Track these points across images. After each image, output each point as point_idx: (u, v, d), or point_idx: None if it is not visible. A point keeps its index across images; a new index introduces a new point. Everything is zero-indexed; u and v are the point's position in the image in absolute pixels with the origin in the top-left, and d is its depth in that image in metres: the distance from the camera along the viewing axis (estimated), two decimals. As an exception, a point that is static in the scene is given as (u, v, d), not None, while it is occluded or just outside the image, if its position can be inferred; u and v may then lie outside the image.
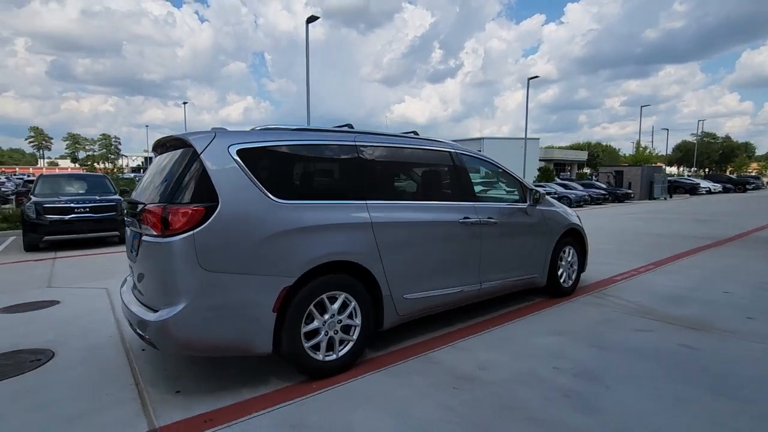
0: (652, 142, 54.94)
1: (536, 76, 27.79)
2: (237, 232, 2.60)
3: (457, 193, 3.87)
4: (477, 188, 4.15)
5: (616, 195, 24.78)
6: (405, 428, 2.34)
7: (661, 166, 33.07)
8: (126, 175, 33.09)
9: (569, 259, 4.91)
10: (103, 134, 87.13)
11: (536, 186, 21.79)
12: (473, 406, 2.56)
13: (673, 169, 71.59)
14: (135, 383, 2.90)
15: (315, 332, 2.89)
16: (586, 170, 51.24)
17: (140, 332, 2.65)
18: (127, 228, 3.22)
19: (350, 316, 3.05)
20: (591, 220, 14.30)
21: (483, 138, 36.04)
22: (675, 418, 2.41)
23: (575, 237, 5.01)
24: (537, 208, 4.48)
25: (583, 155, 59.29)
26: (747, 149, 78.42)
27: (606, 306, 4.50)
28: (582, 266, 5.15)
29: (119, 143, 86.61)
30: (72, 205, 8.83)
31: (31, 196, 9.49)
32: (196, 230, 2.49)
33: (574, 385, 2.80)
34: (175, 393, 2.77)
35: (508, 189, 4.69)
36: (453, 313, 4.16)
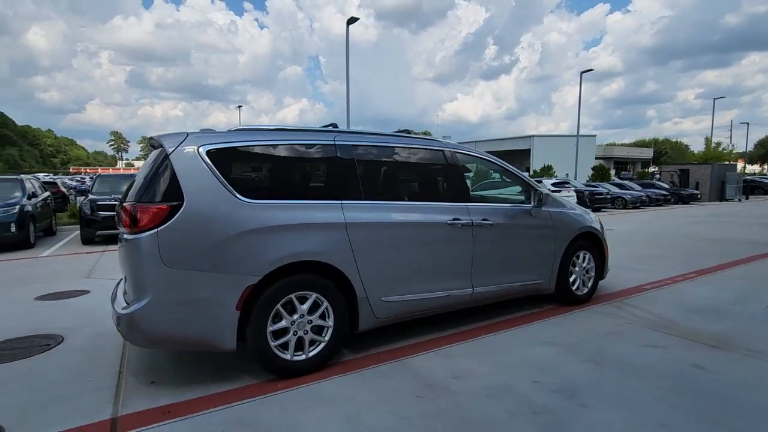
0: (731, 137, 49.81)
1: (590, 69, 26.17)
2: (200, 230, 2.66)
3: (448, 193, 3.73)
4: (482, 189, 3.99)
5: (679, 196, 22.84)
6: (350, 435, 2.28)
7: (734, 164, 29.97)
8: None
9: (584, 264, 4.57)
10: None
11: (588, 186, 20.63)
12: (431, 417, 2.44)
13: (755, 168, 64.74)
14: (119, 372, 3.07)
15: (283, 331, 2.89)
16: (653, 169, 47.72)
17: (117, 327, 2.79)
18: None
19: (322, 317, 3.02)
20: (642, 223, 13.31)
21: (533, 136, 34.57)
22: (651, 446, 2.16)
23: (592, 241, 4.65)
24: (544, 209, 4.21)
25: (647, 153, 55.25)
26: None
27: (621, 317, 4.14)
28: (600, 273, 4.77)
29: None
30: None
31: (89, 194, 10.41)
32: (159, 228, 2.58)
33: (549, 401, 2.59)
34: (150, 383, 2.89)
35: (514, 190, 4.44)
36: (450, 317, 4.02)
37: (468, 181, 4.09)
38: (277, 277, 2.84)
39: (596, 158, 39.94)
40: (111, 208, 9.46)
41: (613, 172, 44.90)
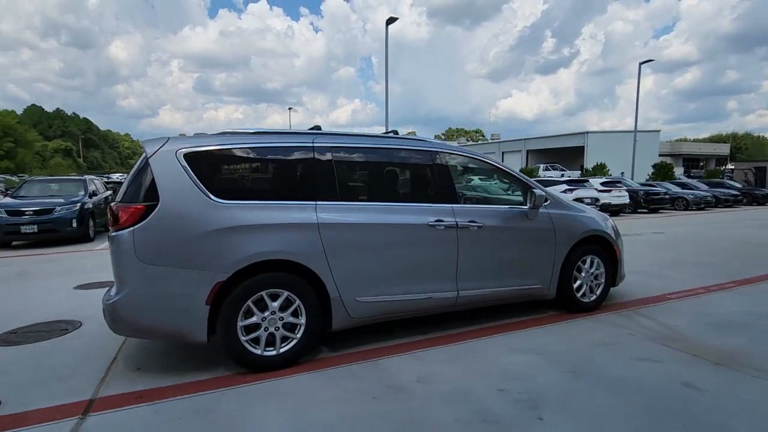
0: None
1: (650, 60, 24.23)
2: (173, 229, 2.84)
3: (432, 194, 3.68)
4: (476, 190, 3.90)
5: (753, 196, 20.72)
6: (290, 430, 2.34)
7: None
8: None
9: (591, 270, 4.31)
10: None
11: (644, 185, 19.19)
12: (377, 418, 2.45)
13: None
14: (114, 357, 3.35)
15: (255, 327, 3.01)
16: (730, 166, 43.54)
17: (103, 317, 3.05)
18: None
19: (295, 315, 3.11)
20: (698, 226, 12.26)
21: (587, 132, 32.62)
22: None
23: (602, 245, 4.37)
24: (544, 211, 4.02)
25: (723, 149, 50.43)
26: None
27: (625, 327, 3.87)
28: (612, 280, 4.47)
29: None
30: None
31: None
32: (136, 226, 2.79)
33: (505, 411, 2.50)
34: (136, 369, 3.13)
35: (511, 191, 4.29)
36: (440, 320, 3.96)
37: (476, 182, 4.02)
38: (247, 275, 2.96)
39: (662, 155, 37.07)
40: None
41: (681, 170, 41.50)
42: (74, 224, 9.48)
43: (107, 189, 12.68)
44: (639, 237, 9.94)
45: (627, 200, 16.20)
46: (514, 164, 35.14)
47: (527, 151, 38.75)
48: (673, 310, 4.40)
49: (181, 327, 2.89)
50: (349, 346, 3.48)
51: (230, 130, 3.33)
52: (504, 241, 3.84)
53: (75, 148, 76.17)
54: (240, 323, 2.96)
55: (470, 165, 4.21)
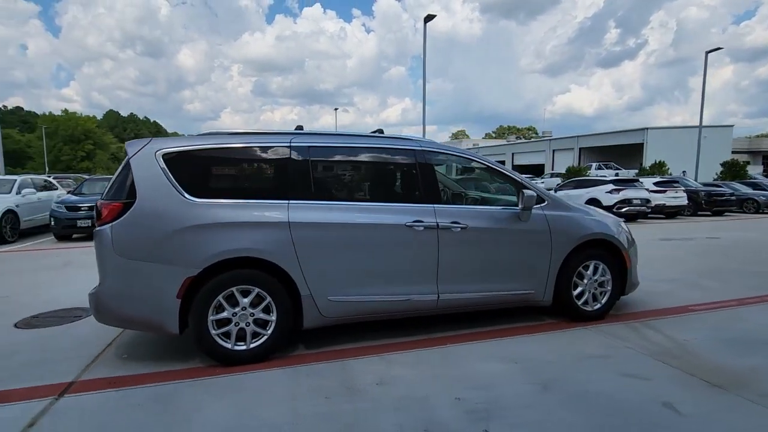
0: None
1: (718, 48, 22.03)
2: (148, 225, 3.00)
3: (413, 194, 3.59)
4: (470, 190, 3.78)
5: (842, 198, 18.25)
6: (234, 425, 2.39)
7: None
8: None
9: (595, 277, 4.01)
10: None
11: (708, 185, 17.58)
12: (322, 420, 2.44)
13: None
14: (108, 344, 3.59)
15: (226, 322, 3.11)
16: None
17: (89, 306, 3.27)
18: None
19: (266, 311, 3.17)
20: (761, 231, 11.08)
21: (647, 129, 30.24)
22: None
23: (608, 250, 4.06)
24: (539, 212, 3.80)
25: (813, 145, 44.93)
26: None
27: (626, 339, 3.58)
28: (622, 287, 4.14)
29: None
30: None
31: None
32: (114, 223, 2.97)
33: (452, 421, 2.40)
34: (122, 357, 3.34)
35: (505, 191, 4.09)
36: (431, 321, 3.87)
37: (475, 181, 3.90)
38: (218, 271, 3.06)
39: (737, 152, 33.74)
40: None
41: (760, 168, 37.52)
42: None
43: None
44: (687, 242, 9.15)
45: (684, 201, 14.93)
46: (566, 163, 33.40)
47: (580, 148, 36.73)
48: (691, 322, 4.01)
49: (155, 319, 3.04)
50: (326, 344, 3.50)
51: (213, 131, 3.45)
52: (491, 243, 3.68)
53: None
54: (211, 317, 3.07)
55: (460, 164, 4.07)
